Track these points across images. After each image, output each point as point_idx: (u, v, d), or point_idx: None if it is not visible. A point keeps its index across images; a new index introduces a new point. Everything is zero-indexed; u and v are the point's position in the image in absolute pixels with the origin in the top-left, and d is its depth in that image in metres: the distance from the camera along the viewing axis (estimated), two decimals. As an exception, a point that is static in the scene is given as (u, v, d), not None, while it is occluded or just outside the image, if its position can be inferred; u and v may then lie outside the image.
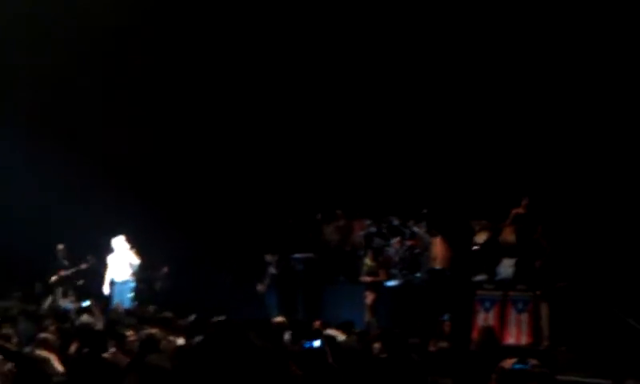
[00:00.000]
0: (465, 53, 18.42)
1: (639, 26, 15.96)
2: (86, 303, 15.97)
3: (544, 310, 14.33)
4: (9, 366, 9.07)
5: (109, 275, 18.88)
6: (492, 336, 12.42)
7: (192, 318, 12.62)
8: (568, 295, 14.08)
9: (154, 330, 10.90)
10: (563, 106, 17.05)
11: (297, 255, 18.98)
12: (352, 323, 13.37)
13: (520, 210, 15.63)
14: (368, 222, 18.85)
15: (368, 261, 17.63)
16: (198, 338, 10.05)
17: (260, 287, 18.98)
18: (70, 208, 19.75)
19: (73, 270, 19.64)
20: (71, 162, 20.33)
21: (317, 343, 9.54)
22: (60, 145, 20.28)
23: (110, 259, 18.93)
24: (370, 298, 17.11)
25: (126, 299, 18.41)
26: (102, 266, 19.45)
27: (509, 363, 7.02)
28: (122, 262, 18.82)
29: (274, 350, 9.41)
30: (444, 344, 12.29)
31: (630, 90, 16.13)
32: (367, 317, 16.88)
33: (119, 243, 18.84)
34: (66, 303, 18.05)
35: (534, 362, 6.82)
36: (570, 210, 15.65)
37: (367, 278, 17.41)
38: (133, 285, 18.83)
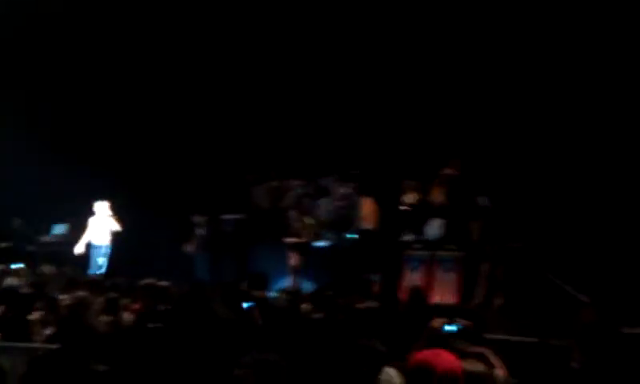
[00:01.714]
0: (398, 18, 18.44)
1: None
2: (17, 266, 15.79)
3: (483, 268, 14.40)
4: None
5: (86, 237, 18.66)
6: (420, 296, 12.54)
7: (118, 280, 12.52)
8: (520, 256, 14.19)
9: (82, 293, 10.86)
10: (496, 68, 17.16)
11: (226, 216, 18.89)
12: (264, 276, 13.35)
13: (450, 171, 15.74)
14: (297, 182, 18.80)
15: (294, 221, 17.63)
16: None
17: (188, 248, 18.85)
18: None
19: None
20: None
21: (245, 305, 9.56)
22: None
23: (91, 222, 18.74)
24: (293, 259, 17.12)
25: (95, 263, 18.32)
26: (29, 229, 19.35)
27: (438, 323, 7.10)
28: (101, 227, 18.67)
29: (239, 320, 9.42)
30: (372, 304, 12.35)
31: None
32: (292, 279, 16.88)
33: (102, 208, 18.73)
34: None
35: (462, 321, 6.92)
36: (508, 171, 15.79)
37: (290, 239, 17.41)
38: (108, 250, 18.66)
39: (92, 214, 18.81)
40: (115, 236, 18.75)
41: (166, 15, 20.46)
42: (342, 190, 17.63)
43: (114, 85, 21.08)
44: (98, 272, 17.95)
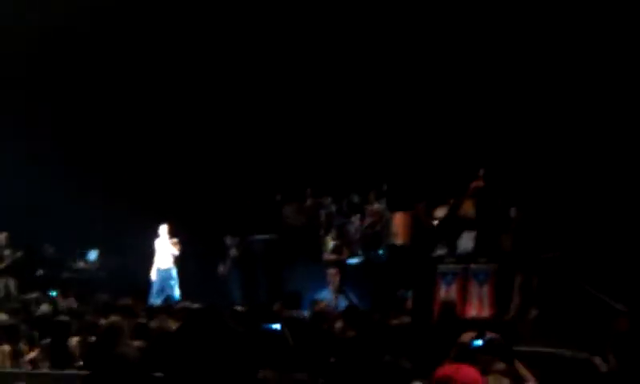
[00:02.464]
0: (423, 33, 18.40)
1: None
2: (53, 293, 15.91)
3: (517, 280, 14.26)
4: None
5: (155, 261, 18.70)
6: (451, 310, 12.46)
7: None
8: (555, 267, 14.03)
9: (116, 318, 10.90)
10: (518, 77, 17.07)
11: (257, 237, 18.90)
12: (298, 295, 13.36)
13: (479, 183, 15.65)
14: (328, 200, 18.79)
15: (331, 239, 17.60)
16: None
17: (221, 269, 18.88)
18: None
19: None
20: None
21: (276, 326, 9.50)
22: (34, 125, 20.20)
23: (157, 245, 18.75)
24: (335, 277, 17.06)
25: (168, 286, 18.32)
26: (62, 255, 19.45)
27: (467, 337, 7.03)
28: (165, 250, 18.69)
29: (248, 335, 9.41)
30: (406, 319, 12.29)
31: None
32: (334, 296, 16.80)
33: (163, 231, 18.76)
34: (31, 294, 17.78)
35: (492, 334, 6.84)
36: (537, 179, 15.67)
37: (331, 256, 17.36)
38: (175, 273, 18.68)
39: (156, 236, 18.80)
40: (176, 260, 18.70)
41: (196, 34, 20.54)
42: (374, 207, 17.61)
43: (147, 113, 21.17)
44: (164, 298, 17.45)
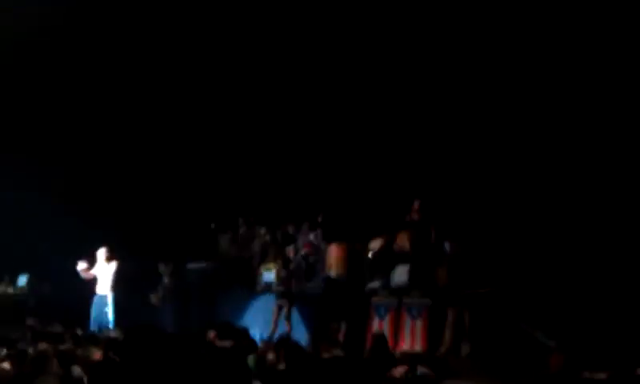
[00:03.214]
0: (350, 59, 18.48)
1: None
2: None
3: (450, 315, 14.25)
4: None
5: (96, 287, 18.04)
6: (383, 343, 12.39)
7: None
8: (488, 302, 14.04)
9: (44, 346, 10.74)
10: (448, 104, 17.18)
11: (190, 265, 18.72)
12: (229, 325, 13.22)
13: (414, 215, 15.66)
14: (263, 230, 18.71)
15: (276, 269, 17.45)
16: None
17: (154, 299, 18.66)
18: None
19: None
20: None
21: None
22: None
23: (96, 270, 18.08)
24: (286, 306, 16.91)
25: (103, 313, 17.66)
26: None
27: (398, 371, 6.98)
28: (103, 275, 17.98)
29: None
30: (338, 352, 12.19)
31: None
32: (272, 327, 16.63)
33: (101, 255, 18.06)
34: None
35: (423, 369, 6.80)
36: (471, 213, 15.73)
37: (280, 287, 17.22)
38: (110, 300, 17.99)
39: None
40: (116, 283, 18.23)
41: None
42: (308, 238, 17.55)
43: (85, 133, 20.99)
44: (101, 326, 17.12)
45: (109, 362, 9.24)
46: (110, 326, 17.13)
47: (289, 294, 17.01)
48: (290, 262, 17.56)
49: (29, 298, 19.03)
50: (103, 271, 18.01)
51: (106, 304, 17.82)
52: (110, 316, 17.72)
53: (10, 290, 19.47)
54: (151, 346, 8.44)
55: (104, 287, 17.89)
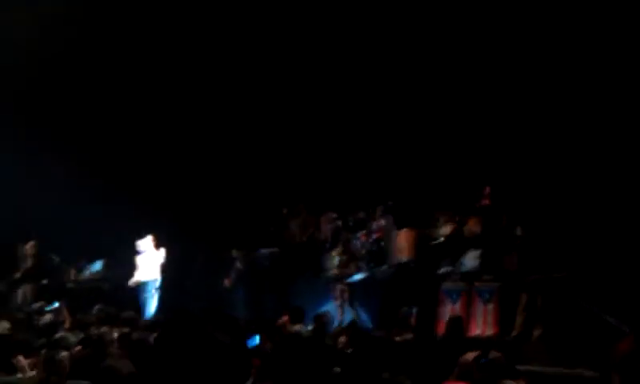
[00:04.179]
0: (425, 46, 18.42)
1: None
2: (55, 304, 15.89)
3: (522, 299, 14.20)
4: None
5: (137, 276, 18.49)
6: (458, 327, 12.44)
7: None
8: (560, 286, 13.97)
9: (104, 329, 11.01)
10: (525, 92, 17.07)
11: (262, 250, 18.87)
12: (301, 310, 13.37)
13: (485, 201, 15.64)
14: (334, 215, 18.76)
15: (337, 254, 17.55)
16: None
17: (226, 283, 18.86)
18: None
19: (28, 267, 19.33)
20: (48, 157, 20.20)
21: (255, 341, 9.59)
22: (39, 138, 20.18)
23: (139, 260, 18.55)
24: (344, 291, 17.00)
25: (144, 300, 18.13)
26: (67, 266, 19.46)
27: (470, 356, 7.03)
28: (148, 263, 18.46)
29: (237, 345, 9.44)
30: (409, 336, 12.27)
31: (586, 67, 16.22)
32: (339, 310, 16.73)
33: (147, 244, 18.54)
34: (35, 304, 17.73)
35: (495, 353, 6.84)
36: (543, 199, 15.63)
37: (336, 271, 17.32)
38: (157, 285, 18.42)
39: (135, 252, 18.65)
40: (162, 270, 18.60)
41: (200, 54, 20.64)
42: (379, 223, 17.59)
43: (151, 121, 21.22)
44: (148, 311, 17.68)
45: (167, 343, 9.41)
46: (149, 313, 17.49)
47: (346, 278, 17.08)
48: (350, 246, 17.63)
49: (104, 283, 19.29)
50: (150, 258, 18.45)
51: (147, 291, 18.16)
52: (152, 303, 18.05)
53: (86, 275, 19.74)
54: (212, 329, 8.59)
55: (152, 273, 18.35)
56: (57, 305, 15.77)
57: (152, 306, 18.00)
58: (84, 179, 20.09)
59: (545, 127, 16.74)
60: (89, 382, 8.12)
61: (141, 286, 18.35)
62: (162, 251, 18.52)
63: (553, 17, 16.79)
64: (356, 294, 16.97)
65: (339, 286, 17.05)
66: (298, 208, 19.12)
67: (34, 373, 9.63)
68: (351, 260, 17.34)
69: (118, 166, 21.15)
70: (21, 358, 9.93)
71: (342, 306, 16.78)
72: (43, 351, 10.18)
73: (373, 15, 19.05)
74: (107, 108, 21.41)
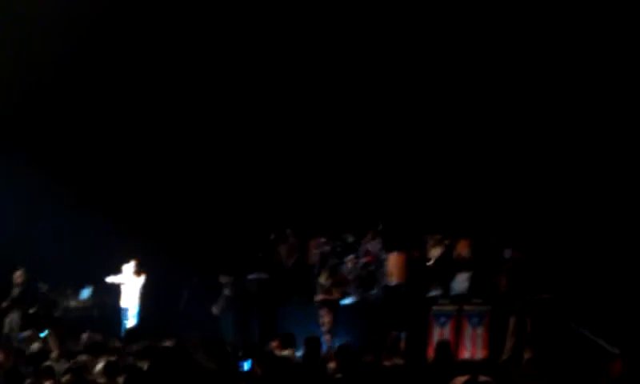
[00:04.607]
0: (411, 73, 18.49)
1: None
2: (44, 333, 15.85)
3: (511, 322, 14.17)
4: None
5: (122, 301, 18.55)
6: (447, 351, 12.37)
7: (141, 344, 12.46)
8: (549, 309, 13.95)
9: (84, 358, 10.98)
10: (514, 116, 17.13)
11: (250, 276, 18.83)
12: (292, 336, 13.33)
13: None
14: (322, 240, 18.73)
15: (323, 279, 17.50)
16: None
17: (214, 309, 18.79)
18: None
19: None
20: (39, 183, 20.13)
21: (245, 364, 9.56)
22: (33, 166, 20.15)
23: (123, 286, 18.58)
24: (326, 317, 16.94)
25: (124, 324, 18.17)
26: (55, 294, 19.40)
27: (460, 381, 6.96)
28: (131, 288, 18.52)
29: (222, 371, 9.38)
30: (399, 360, 12.21)
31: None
32: (326, 338, 16.66)
33: (129, 269, 18.59)
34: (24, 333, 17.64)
35: (484, 378, 6.77)
36: (531, 221, 15.65)
37: (320, 297, 17.27)
38: (135, 311, 18.46)
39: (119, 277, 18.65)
40: (143, 295, 18.58)
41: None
42: (368, 247, 17.57)
43: (138, 149, 21.19)
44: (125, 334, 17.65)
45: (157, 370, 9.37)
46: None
47: (330, 303, 17.02)
48: (335, 272, 17.59)
49: (93, 310, 19.23)
50: (131, 284, 18.44)
51: (126, 316, 18.18)
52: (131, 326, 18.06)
53: (74, 303, 19.67)
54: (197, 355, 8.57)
55: (129, 299, 18.33)
56: (46, 333, 15.72)
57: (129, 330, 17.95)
58: (72, 209, 20.01)
59: (533, 151, 16.78)
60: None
61: (124, 312, 18.38)
62: (142, 278, 18.52)
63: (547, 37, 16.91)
64: (344, 318, 16.91)
65: (323, 311, 16.98)
66: (285, 233, 19.09)
67: None
68: (335, 285, 17.26)
69: (106, 195, 21.06)
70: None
71: (329, 331, 16.69)
72: (28, 381, 10.15)
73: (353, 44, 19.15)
74: (96, 133, 21.34)
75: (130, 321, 18.27)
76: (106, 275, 18.81)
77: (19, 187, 20.12)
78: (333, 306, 17.04)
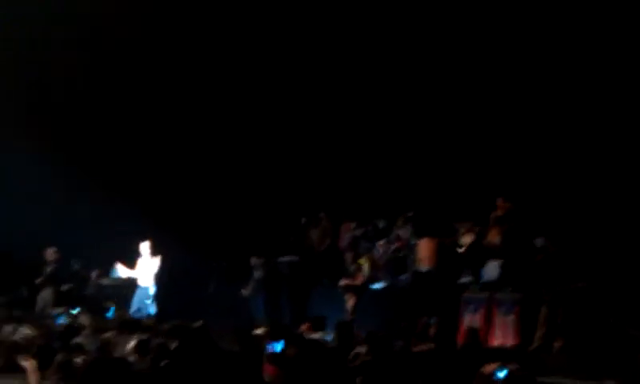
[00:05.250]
0: (450, 55, 18.39)
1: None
2: (76, 310, 15.98)
3: (543, 310, 14.13)
4: None
5: (133, 273, 18.67)
6: (476, 338, 12.39)
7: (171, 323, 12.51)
8: (581, 298, 13.90)
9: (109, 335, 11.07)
10: (543, 102, 17.03)
11: (282, 258, 18.88)
12: (323, 318, 13.38)
13: (498, 212, 15.62)
14: (353, 224, 18.76)
15: (355, 263, 17.57)
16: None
17: (245, 291, 18.87)
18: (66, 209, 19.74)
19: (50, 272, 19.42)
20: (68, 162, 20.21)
21: (277, 346, 9.59)
22: (59, 148, 20.20)
23: (139, 264, 18.68)
24: (350, 301, 17.01)
25: (144, 305, 18.18)
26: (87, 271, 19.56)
27: (489, 369, 6.98)
28: (147, 268, 18.61)
29: (248, 355, 9.44)
30: (429, 346, 12.22)
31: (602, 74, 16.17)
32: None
33: (145, 249, 18.69)
34: (56, 309, 17.79)
35: (514, 366, 6.79)
36: (564, 209, 15.59)
37: (344, 281, 17.33)
38: (153, 291, 18.52)
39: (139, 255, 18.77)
40: (159, 277, 18.74)
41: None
42: (399, 232, 17.57)
43: (167, 125, 21.23)
44: (139, 313, 17.68)
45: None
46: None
47: (354, 287, 17.07)
48: (359, 257, 17.64)
49: (124, 288, 19.33)
50: (147, 264, 18.56)
51: (147, 296, 18.24)
52: (151, 307, 18.11)
53: (106, 281, 19.77)
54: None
55: (146, 279, 18.44)
56: (78, 310, 15.85)
57: (148, 311, 18.04)
58: (103, 185, 20.16)
59: (567, 138, 16.68)
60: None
61: (139, 290, 18.53)
62: (157, 259, 18.62)
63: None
64: (374, 303, 16.95)
65: (350, 295, 17.05)
66: (318, 217, 19.11)
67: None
68: (371, 269, 17.33)
69: (137, 178, 21.16)
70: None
71: (353, 315, 16.70)
72: (59, 355, 10.24)
73: (379, 26, 19.07)
74: (124, 120, 21.42)
75: (150, 300, 18.36)
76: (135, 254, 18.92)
77: (56, 172, 20.20)
78: (357, 290, 17.11)
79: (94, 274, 19.69)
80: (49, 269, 19.35)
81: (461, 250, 16.11)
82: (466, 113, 18.05)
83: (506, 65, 17.69)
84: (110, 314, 17.44)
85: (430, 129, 18.56)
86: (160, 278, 18.67)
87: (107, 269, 19.80)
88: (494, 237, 15.67)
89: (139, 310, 17.93)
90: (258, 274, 18.90)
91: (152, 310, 18.03)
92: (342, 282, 17.38)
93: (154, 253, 18.68)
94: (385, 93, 19.26)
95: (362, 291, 17.09)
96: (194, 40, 20.93)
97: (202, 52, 21.00)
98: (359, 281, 17.19)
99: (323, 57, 19.96)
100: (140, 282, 18.58)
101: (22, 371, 9.80)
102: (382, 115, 19.22)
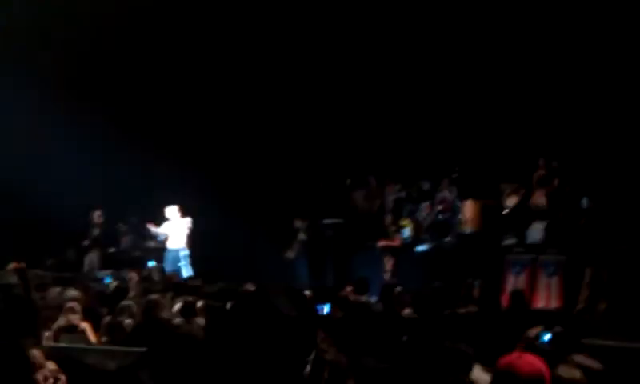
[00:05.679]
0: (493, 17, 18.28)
1: None
2: (151, 264, 16.26)
3: (587, 272, 14.06)
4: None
5: (170, 243, 18.82)
6: (521, 300, 12.37)
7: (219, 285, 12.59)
8: (626, 259, 13.82)
9: (155, 296, 11.14)
10: (590, 62, 16.86)
11: (326, 221, 18.91)
12: (366, 281, 13.44)
13: (541, 172, 15.55)
14: (398, 186, 18.76)
15: (398, 225, 17.62)
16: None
17: (289, 253, 18.95)
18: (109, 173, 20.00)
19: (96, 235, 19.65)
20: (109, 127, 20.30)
21: (325, 308, 9.63)
22: (99, 109, 20.27)
23: (165, 228, 18.89)
24: (389, 263, 17.07)
25: (177, 268, 18.27)
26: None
27: (534, 332, 7.00)
28: (176, 231, 18.75)
29: (302, 318, 9.49)
30: (473, 308, 12.24)
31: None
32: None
33: (173, 213, 18.84)
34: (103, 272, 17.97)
35: (557, 328, 6.80)
36: (609, 170, 15.44)
37: (382, 243, 17.38)
38: (187, 253, 18.70)
39: (165, 219, 18.93)
40: (190, 239, 18.84)
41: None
42: (443, 194, 17.56)
43: (209, 90, 21.24)
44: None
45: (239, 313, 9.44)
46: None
47: (392, 249, 17.12)
48: (400, 218, 17.68)
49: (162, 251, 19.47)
50: (176, 227, 18.66)
51: (179, 258, 18.33)
52: (185, 269, 18.21)
53: (152, 244, 19.92)
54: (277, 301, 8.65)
55: (177, 242, 18.58)
56: (153, 264, 16.08)
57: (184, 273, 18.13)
58: (149, 149, 20.22)
59: (611, 99, 16.51)
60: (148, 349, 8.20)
61: (168, 252, 18.70)
62: (187, 220, 18.73)
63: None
64: (416, 265, 16.99)
65: (388, 257, 17.10)
66: (366, 179, 19.11)
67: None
68: (415, 231, 17.37)
69: (181, 137, 21.20)
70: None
71: (392, 277, 16.73)
72: (107, 317, 10.37)
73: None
74: (165, 83, 21.42)
75: (183, 263, 18.51)
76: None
77: (103, 139, 20.24)
78: (394, 252, 17.15)
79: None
80: (95, 231, 19.58)
81: (505, 212, 16.07)
82: (510, 72, 17.89)
83: (548, 27, 17.53)
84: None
85: (474, 89, 18.44)
86: (194, 241, 18.84)
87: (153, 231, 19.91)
88: (538, 198, 15.62)
89: (174, 272, 18.06)
90: (301, 236, 18.98)
91: (188, 272, 18.12)
92: (381, 244, 17.43)
93: (183, 215, 18.82)
94: (429, 55, 19.14)
95: (400, 253, 17.13)
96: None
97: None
98: (397, 242, 17.23)
99: (362, 27, 19.87)
100: (169, 245, 18.75)
101: (79, 332, 9.90)
102: (427, 77, 19.10)
